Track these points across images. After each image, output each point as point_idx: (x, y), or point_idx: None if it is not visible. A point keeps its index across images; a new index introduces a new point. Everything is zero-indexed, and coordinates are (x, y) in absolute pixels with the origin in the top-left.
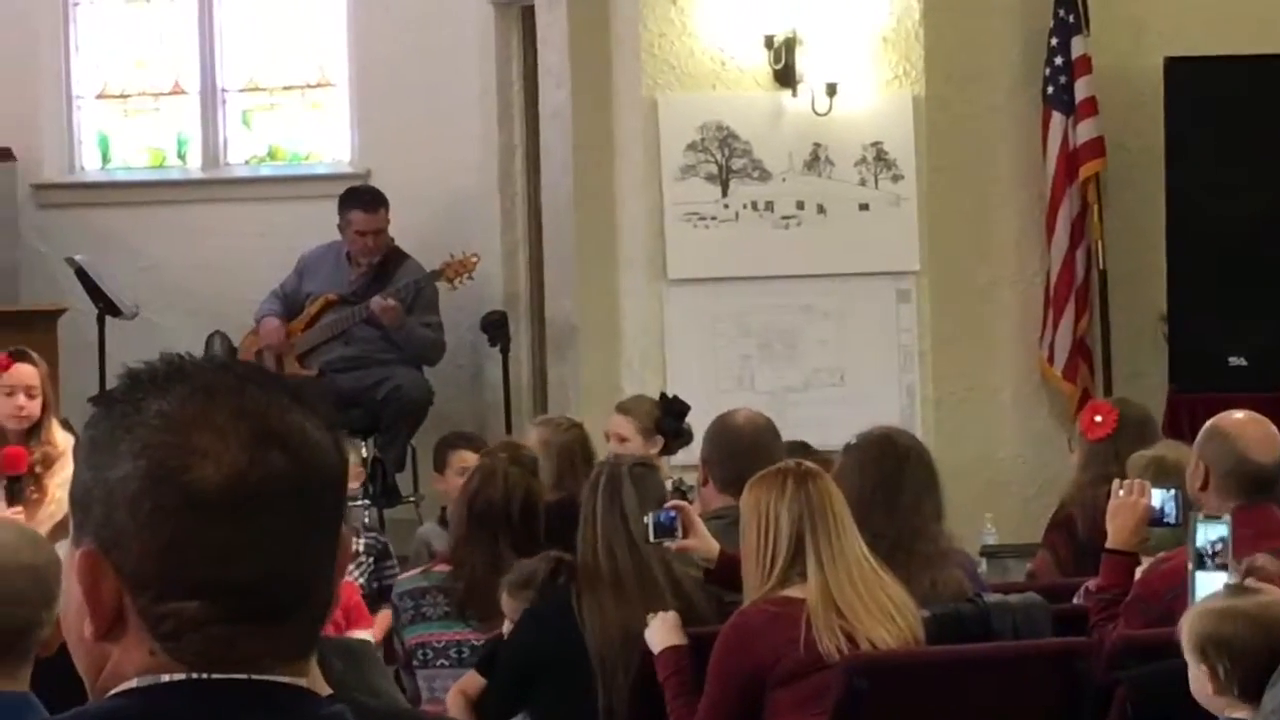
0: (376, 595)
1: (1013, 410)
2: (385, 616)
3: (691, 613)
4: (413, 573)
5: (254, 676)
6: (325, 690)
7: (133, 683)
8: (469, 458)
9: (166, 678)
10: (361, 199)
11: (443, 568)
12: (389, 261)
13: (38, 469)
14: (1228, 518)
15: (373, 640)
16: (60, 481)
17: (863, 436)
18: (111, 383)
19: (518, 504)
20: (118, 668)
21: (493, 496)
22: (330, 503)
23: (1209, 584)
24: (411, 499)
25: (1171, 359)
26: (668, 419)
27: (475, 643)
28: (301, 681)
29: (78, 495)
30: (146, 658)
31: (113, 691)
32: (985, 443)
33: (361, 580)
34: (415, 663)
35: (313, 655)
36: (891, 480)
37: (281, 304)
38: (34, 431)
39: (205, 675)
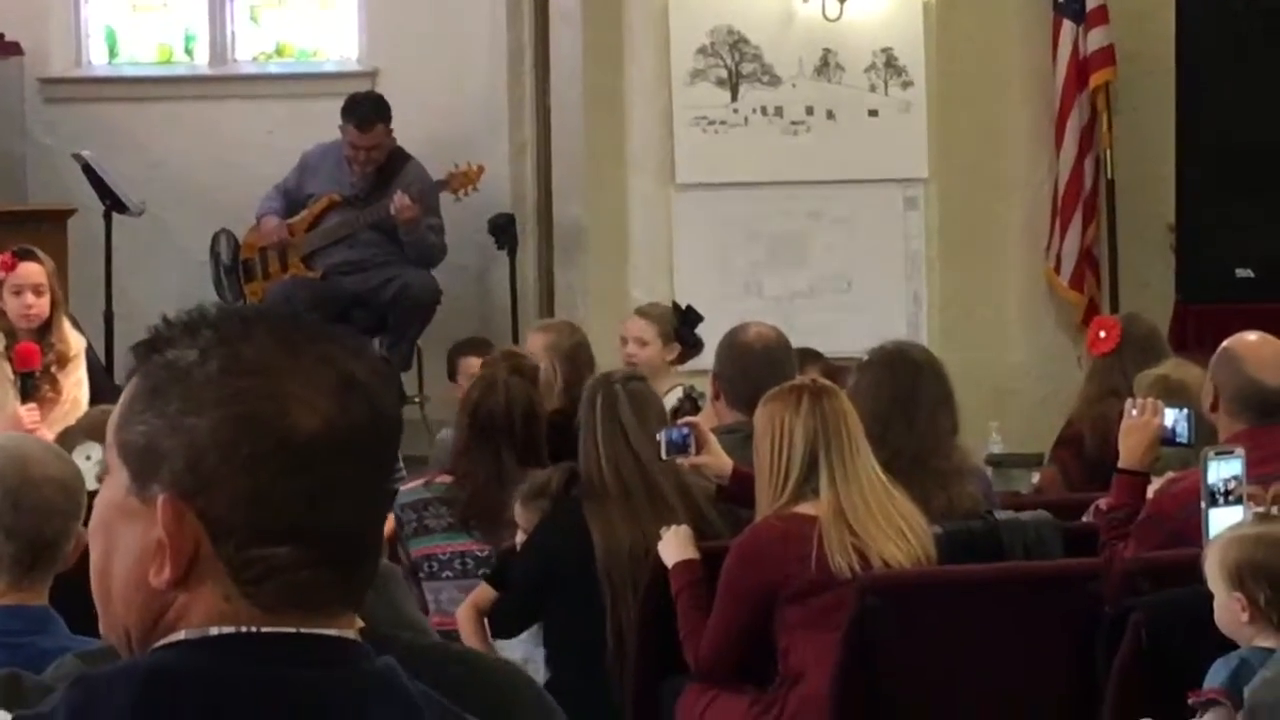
0: None
1: (1019, 318)
2: (388, 523)
3: (704, 526)
4: (414, 484)
5: (302, 630)
6: (358, 622)
7: (180, 634)
8: (478, 364)
9: (215, 631)
10: (357, 114)
11: (444, 479)
12: (392, 163)
13: (52, 368)
14: (1240, 452)
15: None
16: (75, 380)
17: (876, 352)
18: (118, 281)
19: (519, 414)
20: (181, 614)
21: (494, 407)
22: (394, 450)
23: (1223, 520)
24: (416, 399)
25: (1179, 270)
26: (684, 328)
27: (479, 554)
28: (350, 633)
29: (139, 444)
30: (220, 604)
31: (158, 644)
32: (991, 351)
33: None
34: (420, 574)
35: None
36: (907, 395)
37: (283, 201)
38: (45, 330)
39: (254, 629)
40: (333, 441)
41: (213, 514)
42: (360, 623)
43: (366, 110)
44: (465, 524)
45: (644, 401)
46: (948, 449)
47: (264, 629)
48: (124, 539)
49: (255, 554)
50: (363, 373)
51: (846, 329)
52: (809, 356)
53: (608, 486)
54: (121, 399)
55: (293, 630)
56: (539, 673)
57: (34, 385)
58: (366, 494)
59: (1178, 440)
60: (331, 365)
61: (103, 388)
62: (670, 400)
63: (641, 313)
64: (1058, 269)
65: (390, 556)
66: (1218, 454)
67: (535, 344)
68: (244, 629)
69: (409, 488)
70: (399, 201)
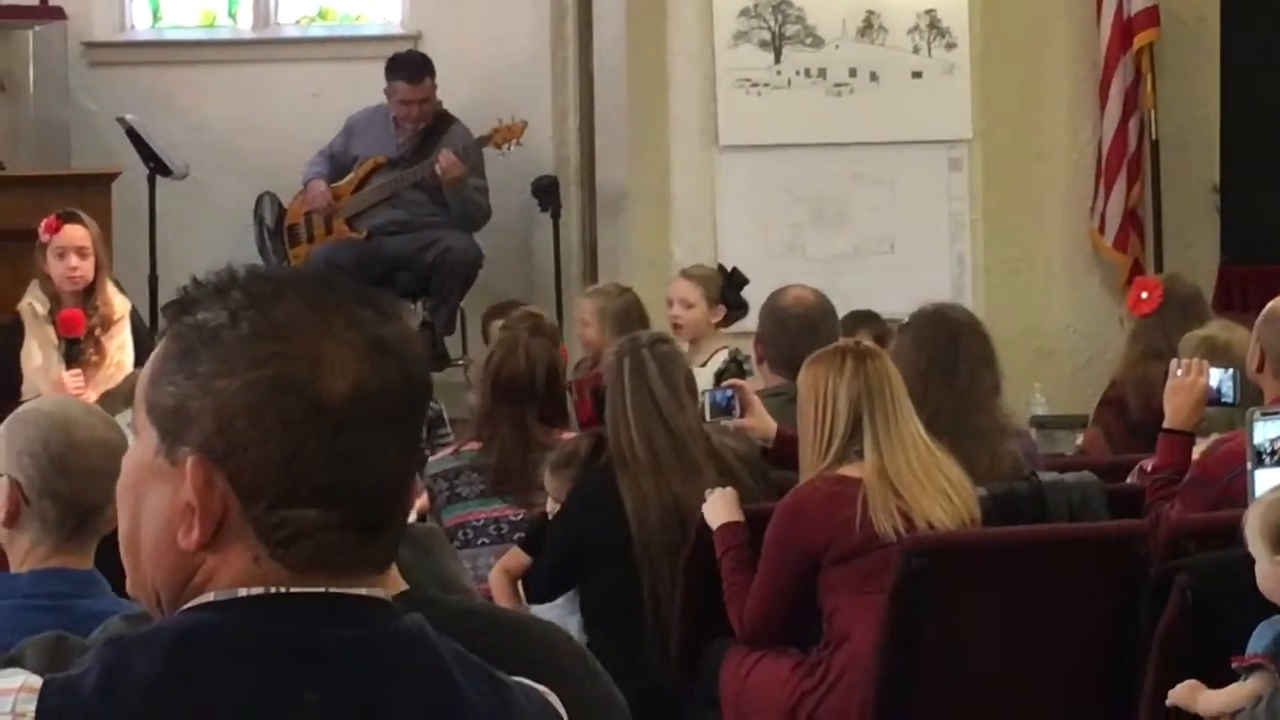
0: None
1: (1063, 280)
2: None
3: (738, 487)
4: (443, 454)
5: (331, 590)
6: (400, 585)
7: (209, 596)
8: None
9: (244, 592)
10: (407, 68)
11: (472, 446)
12: (437, 125)
13: (96, 331)
14: None
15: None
16: (119, 344)
17: (916, 314)
18: (162, 244)
19: (542, 375)
20: (210, 575)
21: (517, 369)
22: (423, 413)
23: (1269, 481)
24: (460, 362)
25: (1223, 230)
26: (730, 290)
27: (513, 518)
28: (379, 591)
29: (168, 405)
30: (249, 565)
31: (188, 605)
32: (1035, 313)
33: None
34: (456, 543)
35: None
36: (947, 355)
37: (329, 165)
38: (89, 293)
39: (282, 589)
40: (362, 404)
41: (242, 476)
42: (402, 583)
43: (415, 63)
44: (496, 489)
45: (671, 364)
46: (990, 408)
47: (293, 589)
48: (152, 500)
49: (284, 515)
50: (392, 336)
51: (890, 291)
52: (862, 319)
53: (637, 452)
54: (150, 359)
55: (321, 590)
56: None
57: (79, 351)
58: (395, 457)
59: (1223, 401)
60: (361, 328)
61: (147, 351)
62: (716, 363)
63: (686, 274)
64: (1102, 230)
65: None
66: (1264, 414)
67: (585, 308)
68: (273, 589)
69: (439, 457)
70: (445, 160)
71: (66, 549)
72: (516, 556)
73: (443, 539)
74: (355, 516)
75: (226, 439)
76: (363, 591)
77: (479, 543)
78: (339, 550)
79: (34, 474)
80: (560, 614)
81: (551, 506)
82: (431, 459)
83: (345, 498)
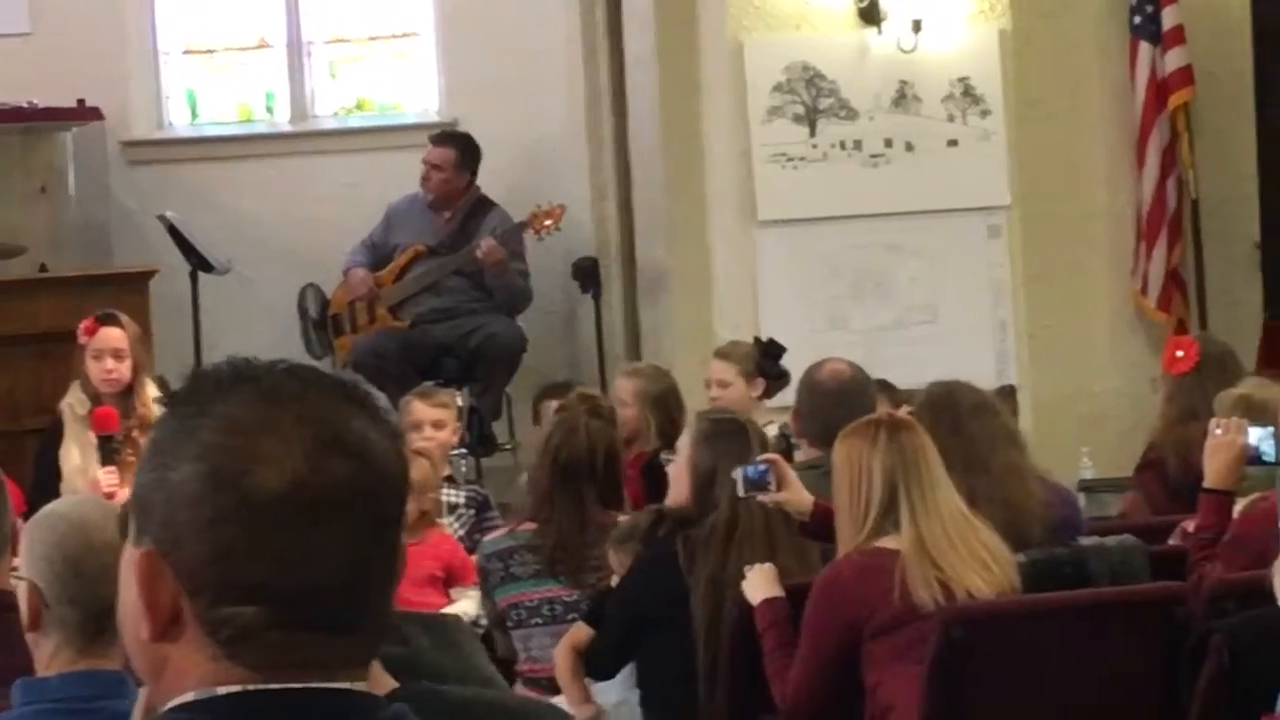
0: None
1: (1107, 343)
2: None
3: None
4: (498, 533)
5: (311, 685)
6: (387, 687)
7: (189, 696)
8: None
9: (223, 690)
10: (437, 134)
11: (528, 526)
12: (476, 210)
13: (134, 432)
14: None
15: (474, 602)
16: None
17: (921, 401)
18: (207, 341)
19: (601, 457)
20: (179, 672)
21: (576, 450)
22: (392, 512)
23: None
24: (508, 446)
25: (1266, 286)
26: (766, 361)
27: (567, 599)
28: (360, 685)
29: (138, 496)
30: (208, 663)
31: (170, 705)
32: (1080, 376)
33: (463, 533)
34: (509, 623)
35: (373, 659)
36: (952, 442)
37: (369, 254)
38: (128, 394)
39: (262, 686)
40: (299, 502)
41: (185, 570)
42: (390, 682)
43: (447, 133)
44: (552, 570)
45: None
46: (1015, 482)
47: (272, 686)
48: (128, 592)
49: (226, 613)
50: (357, 430)
51: (934, 360)
52: (880, 387)
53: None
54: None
55: (299, 686)
56: (634, 715)
57: (114, 449)
58: (352, 555)
59: (1263, 459)
60: (315, 423)
61: None
62: None
63: (721, 354)
64: (1144, 291)
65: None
66: None
67: (624, 389)
68: (250, 687)
69: (493, 537)
70: (486, 246)
71: (92, 651)
72: (581, 631)
73: (465, 627)
74: (299, 616)
75: (171, 531)
76: (345, 685)
77: (532, 623)
78: (289, 651)
79: (51, 579)
80: (622, 691)
81: (615, 582)
82: (486, 539)
83: (283, 597)
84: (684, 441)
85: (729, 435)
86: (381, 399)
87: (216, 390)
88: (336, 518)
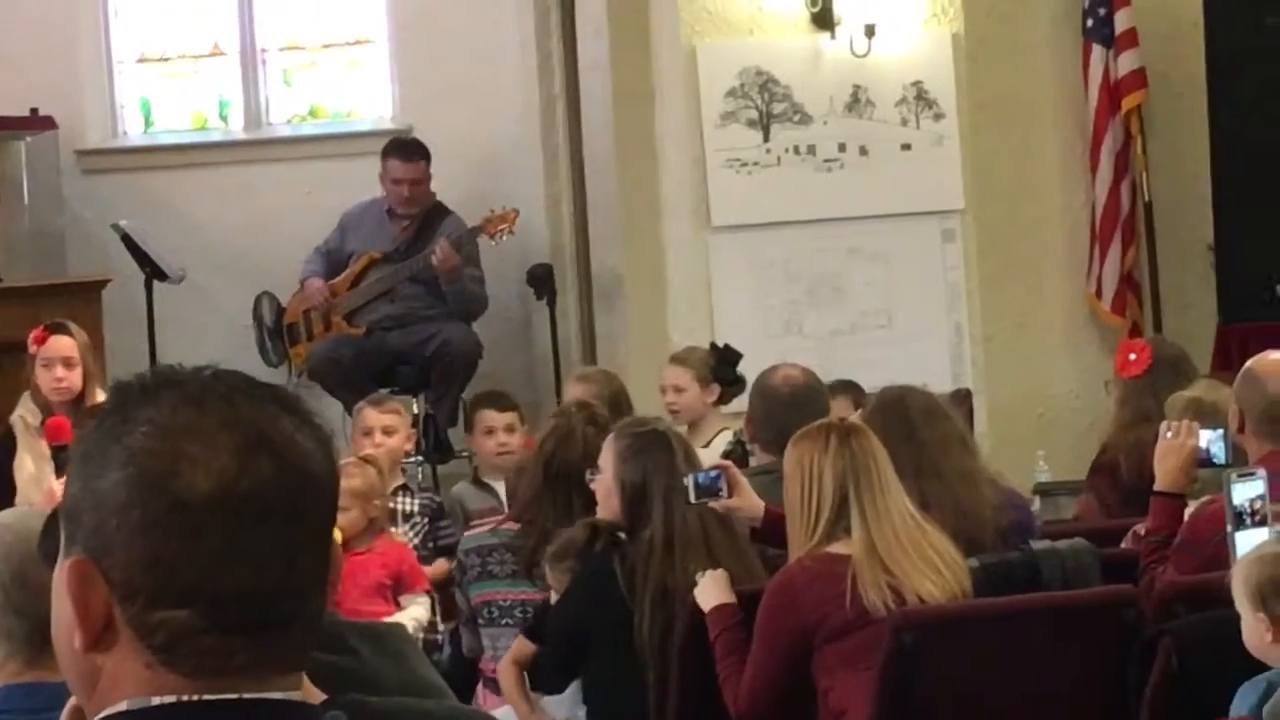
0: (433, 555)
1: (1062, 346)
2: (439, 566)
3: (742, 570)
4: (481, 529)
5: (245, 695)
6: (316, 698)
7: (122, 706)
8: (492, 417)
9: (157, 700)
10: (401, 148)
11: (510, 525)
12: (431, 217)
13: None
14: (1262, 473)
15: (424, 608)
16: None
17: (871, 406)
18: (162, 350)
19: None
20: (114, 681)
21: (571, 457)
22: (321, 513)
23: (1249, 542)
24: (465, 454)
25: (1219, 289)
26: (722, 367)
27: (539, 603)
28: (295, 695)
29: (68, 507)
30: (143, 671)
31: (103, 714)
32: (1036, 379)
33: (416, 541)
34: (480, 620)
35: (304, 665)
36: (898, 451)
37: (324, 262)
38: (79, 403)
39: (195, 697)
40: (228, 503)
41: (116, 577)
42: (318, 694)
43: (411, 144)
44: (529, 572)
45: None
46: (967, 490)
47: (206, 696)
48: (60, 603)
49: (159, 618)
50: (284, 431)
51: (889, 364)
52: (840, 387)
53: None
54: None
55: (234, 696)
56: None
57: (67, 459)
58: (282, 556)
59: (1214, 461)
60: (242, 425)
61: None
62: (719, 445)
63: (676, 359)
64: (1099, 294)
65: (448, 600)
66: (1240, 476)
67: (576, 393)
68: (185, 698)
69: (475, 532)
70: (441, 251)
71: (40, 663)
72: (523, 646)
73: (409, 637)
74: (231, 619)
75: (101, 538)
76: (278, 696)
77: (503, 623)
78: (224, 655)
79: None
80: (569, 707)
81: (555, 599)
82: (467, 534)
83: (215, 600)
84: (606, 458)
85: (654, 447)
86: (309, 404)
87: (141, 397)
88: (266, 519)
